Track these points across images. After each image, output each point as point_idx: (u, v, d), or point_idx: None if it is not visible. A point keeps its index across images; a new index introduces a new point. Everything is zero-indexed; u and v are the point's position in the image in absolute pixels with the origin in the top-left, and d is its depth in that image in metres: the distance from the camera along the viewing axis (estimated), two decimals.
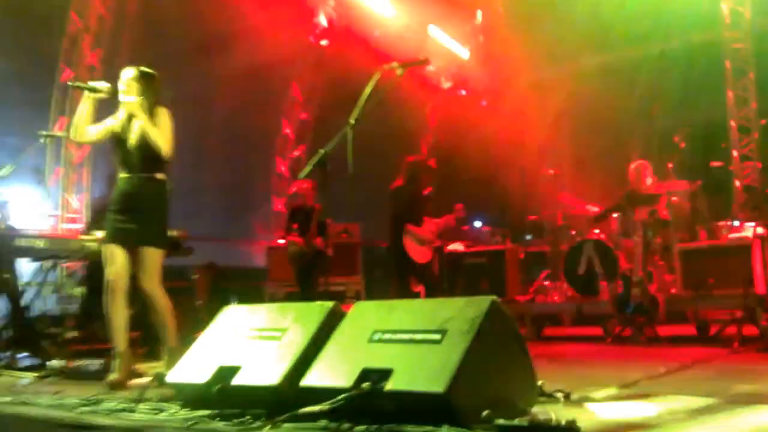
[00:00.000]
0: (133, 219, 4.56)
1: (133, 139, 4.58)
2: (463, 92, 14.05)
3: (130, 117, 4.60)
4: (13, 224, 7.48)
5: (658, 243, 7.09)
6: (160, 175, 4.66)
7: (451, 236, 9.33)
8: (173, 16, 10.56)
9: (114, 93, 4.63)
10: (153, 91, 4.65)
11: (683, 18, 10.37)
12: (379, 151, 11.01)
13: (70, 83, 5.63)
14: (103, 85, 4.65)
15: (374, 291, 10.57)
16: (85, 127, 4.64)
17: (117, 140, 4.65)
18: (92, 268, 7.17)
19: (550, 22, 10.98)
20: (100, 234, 6.17)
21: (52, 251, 5.78)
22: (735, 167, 10.67)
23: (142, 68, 4.68)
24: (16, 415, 3.25)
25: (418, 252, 6.97)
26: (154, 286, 4.60)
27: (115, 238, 4.58)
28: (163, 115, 4.64)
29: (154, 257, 4.61)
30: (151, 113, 4.58)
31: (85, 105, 4.63)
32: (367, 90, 3.94)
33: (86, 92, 4.63)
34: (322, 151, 3.95)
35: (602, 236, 7.85)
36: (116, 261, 4.55)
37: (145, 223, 4.58)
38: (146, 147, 4.55)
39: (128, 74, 4.62)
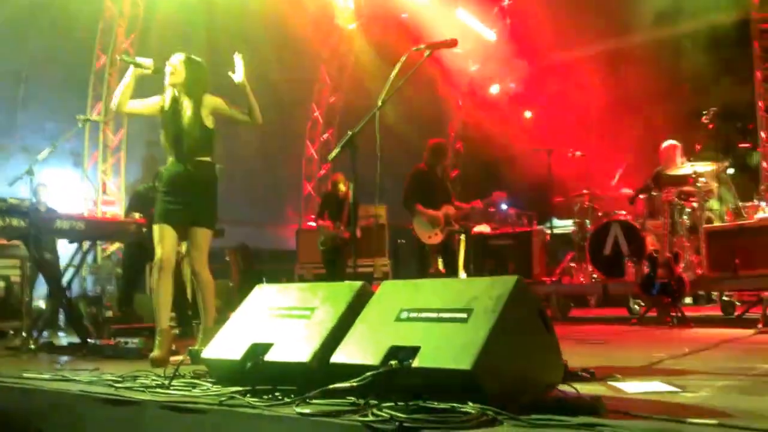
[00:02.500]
0: (184, 201, 4.68)
1: (184, 121, 4.66)
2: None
3: (178, 99, 4.70)
4: (52, 207, 7.69)
5: (684, 223, 7.09)
6: (209, 158, 4.78)
7: (477, 218, 9.38)
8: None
9: (157, 71, 4.73)
10: (199, 78, 4.75)
11: None
12: (406, 133, 11.06)
13: (118, 56, 5.78)
14: (149, 62, 4.74)
15: (401, 271, 10.66)
16: (127, 99, 4.75)
17: (166, 122, 4.74)
18: (129, 250, 7.33)
19: (576, 4, 10.90)
20: (139, 216, 6.35)
21: (91, 233, 5.91)
22: (763, 148, 10.58)
23: (192, 55, 4.79)
24: (55, 391, 3.34)
25: (424, 234, 7.01)
26: (202, 266, 4.75)
27: (166, 218, 4.69)
28: (216, 98, 4.77)
29: (204, 238, 4.75)
30: (198, 100, 4.69)
31: (128, 78, 4.74)
32: (395, 72, 3.99)
33: (132, 66, 4.74)
34: (350, 132, 4.02)
35: (628, 217, 7.85)
36: (166, 241, 4.66)
37: (196, 205, 4.71)
38: (196, 130, 4.66)
39: (177, 58, 4.73)
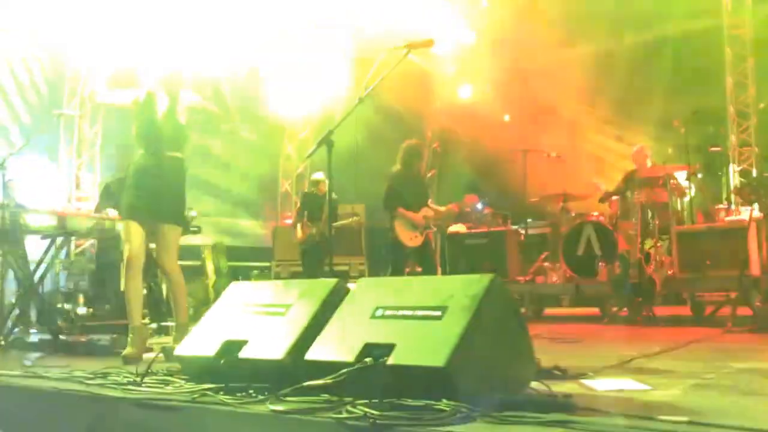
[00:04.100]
0: (151, 195, 4.63)
1: (158, 115, 4.64)
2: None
3: (153, 94, 4.68)
4: (22, 202, 7.59)
5: (656, 225, 7.18)
6: (178, 154, 4.74)
7: (453, 220, 9.42)
8: None
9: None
10: (176, 74, 4.73)
11: (685, 3, 10.42)
12: (383, 134, 11.09)
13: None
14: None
15: (377, 270, 10.69)
16: (102, 89, 4.73)
17: (139, 115, 4.72)
18: (102, 246, 7.25)
19: (552, 8, 11.00)
20: (113, 212, 6.29)
21: (63, 229, 5.86)
22: (733, 152, 10.77)
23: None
24: (26, 388, 3.32)
25: (406, 236, 7.03)
26: (171, 262, 4.70)
27: (132, 214, 4.65)
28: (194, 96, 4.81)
29: (172, 234, 4.70)
30: (175, 96, 4.68)
31: (108, 71, 4.75)
32: (373, 70, 4.00)
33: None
34: (328, 130, 4.02)
35: (601, 218, 7.94)
36: (134, 238, 4.62)
37: (163, 201, 4.66)
38: (169, 125, 4.64)
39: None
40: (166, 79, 4.69)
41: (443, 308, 2.75)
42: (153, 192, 4.64)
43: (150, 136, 4.66)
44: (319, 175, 8.82)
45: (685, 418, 2.24)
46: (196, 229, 6.48)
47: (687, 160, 7.60)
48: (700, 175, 7.96)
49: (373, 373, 2.63)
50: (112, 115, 10.66)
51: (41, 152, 9.20)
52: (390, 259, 7.22)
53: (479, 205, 10.67)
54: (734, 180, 10.35)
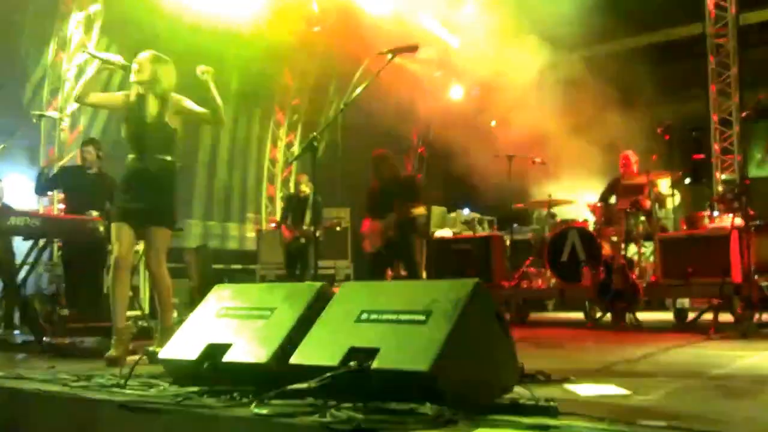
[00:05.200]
0: (143, 199, 4.63)
1: (147, 119, 4.62)
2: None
3: (143, 97, 4.67)
4: (7, 203, 7.54)
5: (639, 231, 7.23)
6: (170, 157, 4.73)
7: (439, 223, 9.45)
8: None
9: (124, 68, 4.68)
10: (165, 77, 4.69)
11: (668, 12, 10.53)
12: (369, 138, 11.11)
13: (83, 51, 5.70)
14: (117, 59, 4.69)
15: (363, 274, 10.68)
16: (89, 91, 4.70)
17: (129, 119, 4.70)
18: (67, 247, 7.16)
19: (537, 13, 11.05)
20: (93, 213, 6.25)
21: (47, 230, 5.83)
22: (716, 159, 10.88)
23: (159, 54, 4.74)
24: (9, 389, 3.29)
25: (366, 243, 7.02)
26: (160, 265, 4.70)
27: (124, 217, 4.64)
28: (181, 98, 4.75)
29: (162, 237, 4.70)
30: (164, 99, 4.66)
31: (93, 72, 4.70)
32: (358, 75, 4.02)
33: (98, 61, 4.69)
34: (313, 135, 4.03)
35: (586, 224, 7.99)
36: (123, 239, 4.61)
37: (155, 204, 4.66)
38: (159, 129, 4.63)
39: (143, 56, 4.68)
40: (154, 81, 4.67)
41: (427, 312, 2.77)
42: (144, 195, 4.64)
43: (140, 139, 4.66)
44: (303, 179, 8.83)
45: (663, 423, 2.26)
46: (179, 230, 6.46)
47: (671, 168, 7.65)
48: (688, 181, 8.02)
49: (358, 377, 2.64)
50: (93, 117, 10.62)
51: (22, 154, 9.14)
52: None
53: (465, 210, 10.72)
54: (717, 187, 10.45)
